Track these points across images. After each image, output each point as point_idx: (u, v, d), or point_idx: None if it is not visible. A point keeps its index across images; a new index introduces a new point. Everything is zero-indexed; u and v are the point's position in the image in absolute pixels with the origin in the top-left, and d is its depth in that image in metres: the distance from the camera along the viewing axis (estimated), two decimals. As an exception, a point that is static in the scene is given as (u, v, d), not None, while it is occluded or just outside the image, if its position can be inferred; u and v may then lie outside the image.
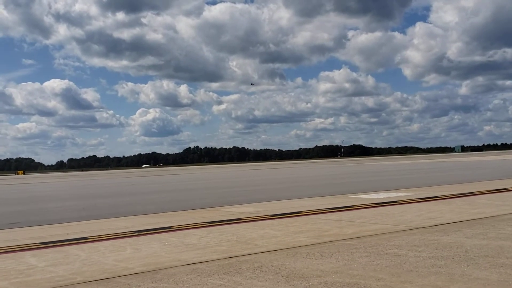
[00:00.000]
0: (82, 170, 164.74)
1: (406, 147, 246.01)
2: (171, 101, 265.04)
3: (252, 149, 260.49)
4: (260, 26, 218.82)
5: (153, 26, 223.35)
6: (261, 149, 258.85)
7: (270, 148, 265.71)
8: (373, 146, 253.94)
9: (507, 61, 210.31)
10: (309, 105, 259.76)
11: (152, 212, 12.28)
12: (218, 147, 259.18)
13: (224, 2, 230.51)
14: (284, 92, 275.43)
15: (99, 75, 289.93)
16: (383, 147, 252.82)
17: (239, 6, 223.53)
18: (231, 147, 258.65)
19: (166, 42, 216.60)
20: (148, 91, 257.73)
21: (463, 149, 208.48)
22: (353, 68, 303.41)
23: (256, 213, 10.71)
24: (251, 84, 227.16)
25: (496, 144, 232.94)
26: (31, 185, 42.03)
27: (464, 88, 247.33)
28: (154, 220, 10.51)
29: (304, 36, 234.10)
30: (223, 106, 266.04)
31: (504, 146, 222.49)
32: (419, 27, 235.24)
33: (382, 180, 22.87)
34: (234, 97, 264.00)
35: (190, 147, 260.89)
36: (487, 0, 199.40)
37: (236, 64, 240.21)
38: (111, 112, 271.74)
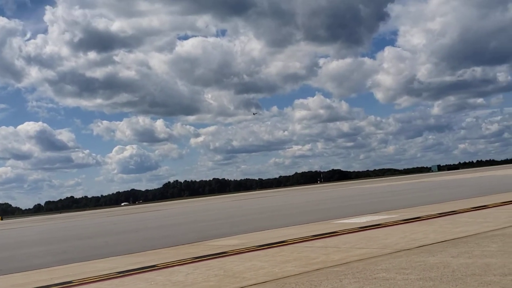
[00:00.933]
0: (61, 212, 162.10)
1: (383, 169, 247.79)
2: (147, 137, 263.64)
3: (232, 179, 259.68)
4: (233, 58, 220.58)
5: (126, 63, 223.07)
6: (241, 179, 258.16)
7: (250, 177, 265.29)
8: (351, 170, 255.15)
9: (477, 79, 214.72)
10: (286, 132, 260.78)
11: (135, 251, 12.12)
12: (198, 180, 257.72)
13: (195, 36, 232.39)
14: (261, 122, 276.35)
15: (73, 115, 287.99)
16: (361, 170, 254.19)
17: (211, 39, 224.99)
18: (211, 179, 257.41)
19: (140, 79, 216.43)
20: (123, 128, 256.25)
21: (440, 168, 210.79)
22: (326, 94, 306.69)
23: (242, 245, 10.65)
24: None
25: (472, 162, 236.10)
26: (10, 231, 41.16)
27: (436, 108, 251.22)
28: (138, 259, 10.37)
29: (277, 65, 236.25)
30: (200, 139, 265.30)
31: (480, 163, 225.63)
32: (388, 51, 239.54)
33: (363, 204, 22.96)
34: (211, 129, 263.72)
35: (169, 182, 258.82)
36: (453, 21, 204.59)
37: (211, 96, 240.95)
38: (87, 151, 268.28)
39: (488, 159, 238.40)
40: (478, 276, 5.44)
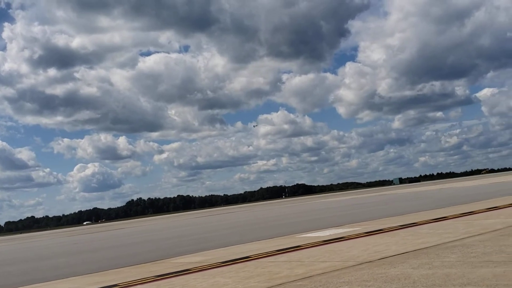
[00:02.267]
0: (21, 233, 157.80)
1: (347, 182, 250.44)
2: (110, 154, 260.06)
3: (197, 196, 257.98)
4: (196, 74, 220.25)
5: (87, 80, 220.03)
6: (206, 196, 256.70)
7: (215, 193, 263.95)
8: (316, 184, 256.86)
9: (436, 94, 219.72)
10: (250, 148, 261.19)
11: (96, 270, 11.88)
12: (162, 197, 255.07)
13: (158, 52, 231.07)
14: (225, 137, 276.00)
15: (33, 133, 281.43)
16: (325, 184, 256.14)
17: (174, 55, 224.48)
18: (176, 196, 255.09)
19: (102, 95, 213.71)
20: (85, 145, 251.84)
21: (401, 181, 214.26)
22: (290, 109, 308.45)
23: (206, 261, 10.56)
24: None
25: (432, 174, 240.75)
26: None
27: (397, 122, 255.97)
28: (99, 279, 10.16)
29: (241, 81, 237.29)
30: (164, 155, 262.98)
31: (440, 176, 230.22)
32: (349, 66, 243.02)
33: (327, 217, 23.11)
34: (175, 145, 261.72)
35: (133, 200, 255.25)
36: (412, 37, 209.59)
37: (175, 113, 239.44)
38: (47, 170, 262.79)
39: (448, 171, 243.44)
40: (438, 286, 5.52)
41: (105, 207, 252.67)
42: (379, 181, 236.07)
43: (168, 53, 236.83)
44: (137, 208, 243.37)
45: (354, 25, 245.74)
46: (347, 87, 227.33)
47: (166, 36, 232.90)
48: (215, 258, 10.93)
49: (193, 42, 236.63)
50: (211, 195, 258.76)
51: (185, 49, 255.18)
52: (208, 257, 11.35)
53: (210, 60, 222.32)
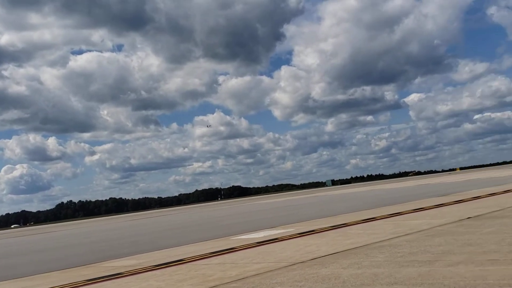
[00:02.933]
0: None
1: (281, 184, 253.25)
2: (39, 155, 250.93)
3: (130, 199, 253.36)
4: (130, 73, 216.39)
5: (16, 78, 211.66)
6: (139, 198, 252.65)
7: (149, 196, 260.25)
8: (251, 186, 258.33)
9: (366, 98, 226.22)
10: (186, 150, 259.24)
11: (23, 275, 11.47)
12: (93, 200, 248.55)
13: (90, 51, 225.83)
14: (160, 138, 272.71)
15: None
16: (260, 186, 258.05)
17: (106, 54, 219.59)
18: (108, 198, 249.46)
19: (31, 94, 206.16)
20: (13, 146, 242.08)
21: (334, 182, 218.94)
22: (226, 111, 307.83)
23: (139, 265, 10.43)
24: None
25: (363, 176, 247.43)
26: None
27: (330, 125, 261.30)
28: (25, 284, 9.84)
29: (176, 82, 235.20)
30: (96, 157, 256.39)
31: (370, 178, 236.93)
32: (284, 70, 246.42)
33: (262, 219, 23.32)
34: (107, 146, 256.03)
35: (63, 202, 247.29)
36: (344, 42, 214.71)
37: (107, 113, 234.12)
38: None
39: (377, 173, 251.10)
40: (366, 286, 5.71)
41: (34, 210, 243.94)
42: (313, 182, 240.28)
43: (101, 52, 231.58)
44: (67, 211, 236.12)
45: (289, 29, 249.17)
46: (282, 90, 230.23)
47: (99, 34, 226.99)
48: (148, 261, 10.81)
49: (127, 41, 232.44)
50: (145, 197, 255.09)
51: (118, 48, 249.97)
52: (141, 261, 11.21)
53: (144, 60, 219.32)
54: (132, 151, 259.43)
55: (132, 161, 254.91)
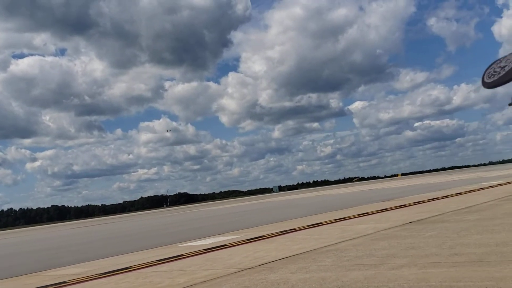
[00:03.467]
0: None
1: (229, 191, 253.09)
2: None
3: (73, 206, 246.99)
4: (73, 78, 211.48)
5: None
6: (83, 206, 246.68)
7: (93, 203, 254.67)
8: (198, 193, 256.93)
9: (312, 105, 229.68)
10: (131, 156, 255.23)
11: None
12: (34, 207, 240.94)
13: (32, 55, 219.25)
14: (104, 145, 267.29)
15: None
16: (207, 193, 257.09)
17: (49, 59, 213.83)
18: (50, 206, 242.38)
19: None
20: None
21: (281, 188, 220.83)
22: (173, 117, 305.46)
23: (84, 273, 10.20)
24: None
25: (309, 182, 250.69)
26: None
27: (277, 132, 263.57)
28: (-34, 296, 9.45)
29: (121, 87, 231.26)
30: (37, 163, 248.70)
31: (316, 183, 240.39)
32: (232, 76, 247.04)
33: (209, 226, 23.24)
34: (49, 152, 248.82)
35: (3, 210, 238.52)
36: (291, 50, 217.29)
37: (49, 118, 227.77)
38: None
39: (323, 179, 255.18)
40: (314, 289, 5.81)
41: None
42: (260, 189, 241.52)
43: (43, 56, 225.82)
44: (7, 219, 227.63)
45: (237, 36, 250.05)
46: (229, 96, 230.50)
47: (41, 38, 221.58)
48: (94, 270, 10.59)
49: (71, 45, 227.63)
50: (88, 205, 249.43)
51: (61, 52, 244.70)
52: (86, 269, 10.98)
53: (88, 65, 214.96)
54: (75, 158, 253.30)
55: (75, 168, 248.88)
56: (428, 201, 18.98)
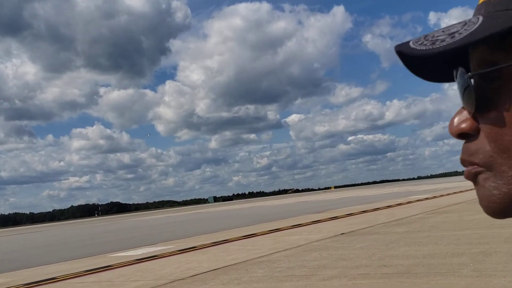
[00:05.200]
0: None
1: (163, 201, 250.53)
2: None
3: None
4: (4, 81, 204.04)
5: None
6: (9, 213, 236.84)
7: (20, 211, 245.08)
8: (131, 203, 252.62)
9: (250, 116, 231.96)
10: (62, 163, 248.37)
11: None
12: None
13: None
14: (34, 151, 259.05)
15: None
16: (140, 202, 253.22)
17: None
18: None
19: None
20: None
21: (216, 199, 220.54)
22: (107, 124, 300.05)
23: (6, 284, 9.72)
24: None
25: (244, 193, 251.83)
26: None
27: (214, 142, 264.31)
28: None
29: (53, 92, 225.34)
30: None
31: (251, 195, 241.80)
32: (169, 85, 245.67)
33: (141, 236, 22.78)
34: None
35: None
36: (230, 60, 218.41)
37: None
38: None
39: (258, 190, 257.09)
40: (245, 300, 5.77)
41: None
42: (195, 199, 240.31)
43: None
44: None
45: (175, 44, 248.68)
46: (166, 105, 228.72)
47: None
48: (18, 280, 10.11)
49: (2, 47, 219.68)
50: (15, 212, 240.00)
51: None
52: (12, 279, 10.47)
53: (20, 67, 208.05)
54: (2, 163, 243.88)
55: (2, 174, 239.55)
56: (359, 213, 19.39)
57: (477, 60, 0.60)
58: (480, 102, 0.58)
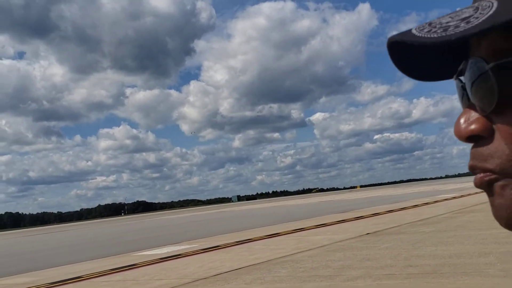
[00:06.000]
0: None
1: (187, 200, 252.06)
2: None
3: (27, 213, 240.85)
4: (32, 82, 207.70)
5: None
6: (38, 213, 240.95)
7: (49, 211, 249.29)
8: (156, 201, 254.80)
9: (274, 115, 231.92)
10: (89, 163, 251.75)
11: None
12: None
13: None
14: (62, 151, 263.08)
15: None
16: (166, 201, 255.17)
17: (7, 62, 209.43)
18: (3, 212, 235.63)
19: None
20: None
21: (239, 198, 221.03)
22: (133, 124, 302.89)
23: (34, 282, 9.84)
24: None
25: (268, 192, 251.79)
26: None
27: (237, 141, 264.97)
28: None
29: (81, 93, 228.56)
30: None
31: (275, 194, 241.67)
32: (193, 85, 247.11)
33: (165, 235, 22.91)
34: (4, 158, 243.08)
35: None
36: (253, 60, 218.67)
37: (5, 123, 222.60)
38: None
39: (282, 189, 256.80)
40: (268, 300, 5.72)
41: None
42: (219, 198, 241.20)
43: (1, 59, 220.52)
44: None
45: (199, 44, 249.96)
46: (191, 105, 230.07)
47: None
48: (44, 279, 10.24)
49: (30, 48, 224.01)
50: (44, 212, 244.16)
51: (20, 55, 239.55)
52: (36, 278, 10.60)
53: (47, 69, 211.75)
54: (31, 164, 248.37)
55: (31, 174, 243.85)
56: (385, 213, 19.18)
57: (488, 49, 0.52)
58: (502, 98, 0.51)
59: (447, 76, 0.60)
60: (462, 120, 0.54)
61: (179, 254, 11.99)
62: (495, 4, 0.50)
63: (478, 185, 0.55)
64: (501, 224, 0.56)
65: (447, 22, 0.52)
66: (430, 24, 0.53)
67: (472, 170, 0.55)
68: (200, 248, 12.76)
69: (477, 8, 0.51)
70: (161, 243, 16.40)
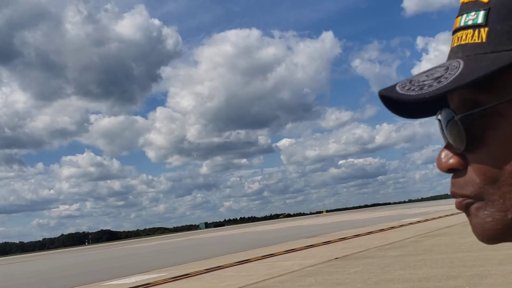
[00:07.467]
0: None
1: (154, 228, 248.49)
2: None
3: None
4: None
5: None
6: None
7: (9, 241, 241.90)
8: (121, 230, 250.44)
9: (241, 141, 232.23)
10: (52, 191, 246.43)
11: None
12: None
13: None
14: (24, 179, 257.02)
15: None
16: (131, 230, 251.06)
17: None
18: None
19: None
20: None
21: (207, 225, 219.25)
22: (97, 151, 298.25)
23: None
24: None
25: (236, 219, 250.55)
26: None
27: (205, 167, 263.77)
28: None
29: (44, 120, 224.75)
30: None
31: (243, 220, 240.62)
32: (160, 111, 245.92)
33: (133, 264, 22.53)
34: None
35: None
36: (220, 86, 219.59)
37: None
38: None
39: (250, 215, 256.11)
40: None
41: None
42: (186, 225, 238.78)
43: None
44: None
45: (166, 71, 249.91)
46: (157, 131, 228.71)
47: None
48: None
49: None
50: (5, 242, 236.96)
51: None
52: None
53: (10, 96, 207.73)
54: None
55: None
56: (352, 237, 19.34)
57: (458, 101, 0.63)
58: (469, 141, 0.62)
59: (432, 113, 0.70)
60: (442, 155, 0.65)
61: (148, 283, 11.84)
62: (461, 65, 0.61)
63: (458, 207, 0.66)
64: (478, 238, 0.65)
65: (423, 81, 0.63)
66: (410, 81, 0.64)
67: (453, 195, 0.66)
68: (170, 277, 12.62)
69: (447, 68, 0.63)
70: (129, 272, 16.14)
